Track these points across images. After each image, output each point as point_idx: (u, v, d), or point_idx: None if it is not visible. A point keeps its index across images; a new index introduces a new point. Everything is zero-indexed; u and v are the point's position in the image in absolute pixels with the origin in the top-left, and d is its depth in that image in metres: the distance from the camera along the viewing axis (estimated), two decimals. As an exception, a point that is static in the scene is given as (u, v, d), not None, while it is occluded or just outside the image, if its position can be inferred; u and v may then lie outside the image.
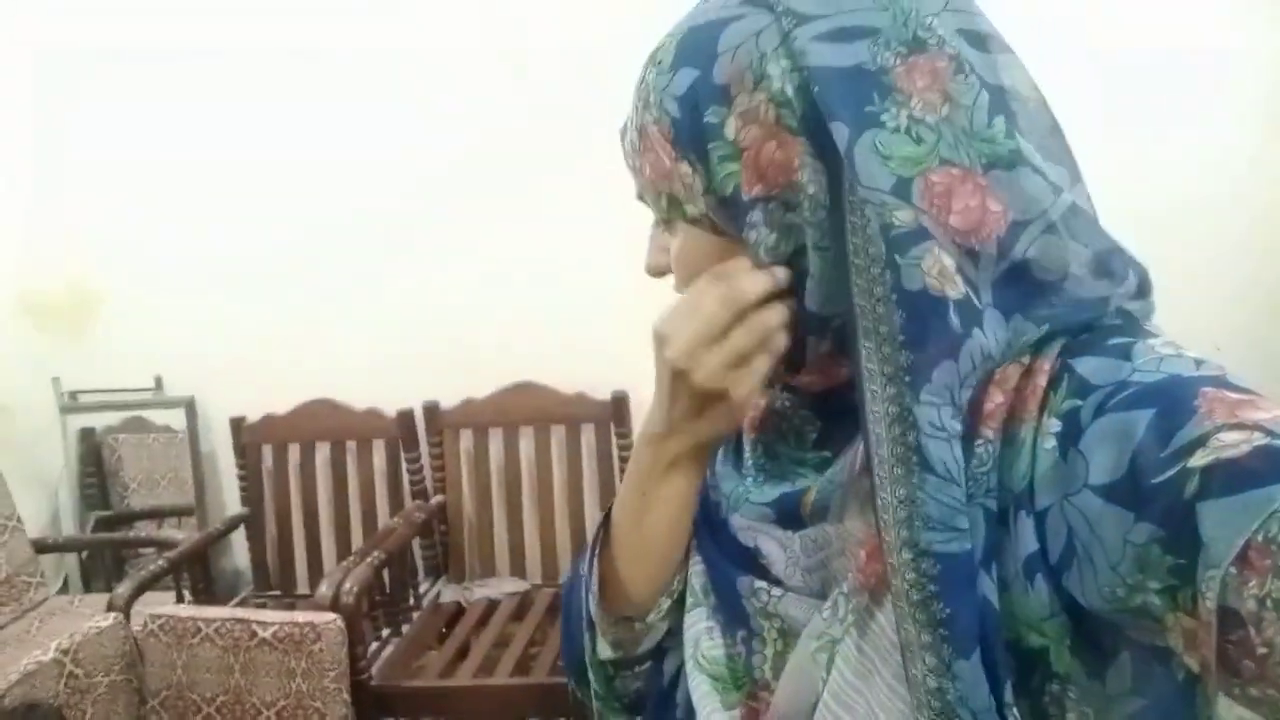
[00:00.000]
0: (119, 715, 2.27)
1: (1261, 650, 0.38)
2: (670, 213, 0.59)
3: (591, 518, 2.83)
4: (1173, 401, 0.44)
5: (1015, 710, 0.47)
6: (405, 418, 2.91)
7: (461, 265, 2.89)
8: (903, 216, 0.48)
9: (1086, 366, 0.49)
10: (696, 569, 0.68)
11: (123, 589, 2.47)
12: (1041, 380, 0.50)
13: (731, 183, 0.54)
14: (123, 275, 3.06)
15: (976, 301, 0.49)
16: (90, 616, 2.34)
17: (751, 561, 0.61)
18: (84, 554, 3.20)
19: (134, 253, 3.04)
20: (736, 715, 0.62)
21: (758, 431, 0.65)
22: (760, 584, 0.60)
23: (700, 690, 0.64)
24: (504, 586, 2.82)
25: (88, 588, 3.15)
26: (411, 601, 2.76)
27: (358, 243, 2.93)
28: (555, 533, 2.85)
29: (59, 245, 3.05)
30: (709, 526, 0.66)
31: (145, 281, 3.06)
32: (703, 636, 0.65)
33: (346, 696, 2.20)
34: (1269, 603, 0.37)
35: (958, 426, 0.48)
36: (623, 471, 2.76)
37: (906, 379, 0.49)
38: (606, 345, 2.75)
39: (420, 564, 2.89)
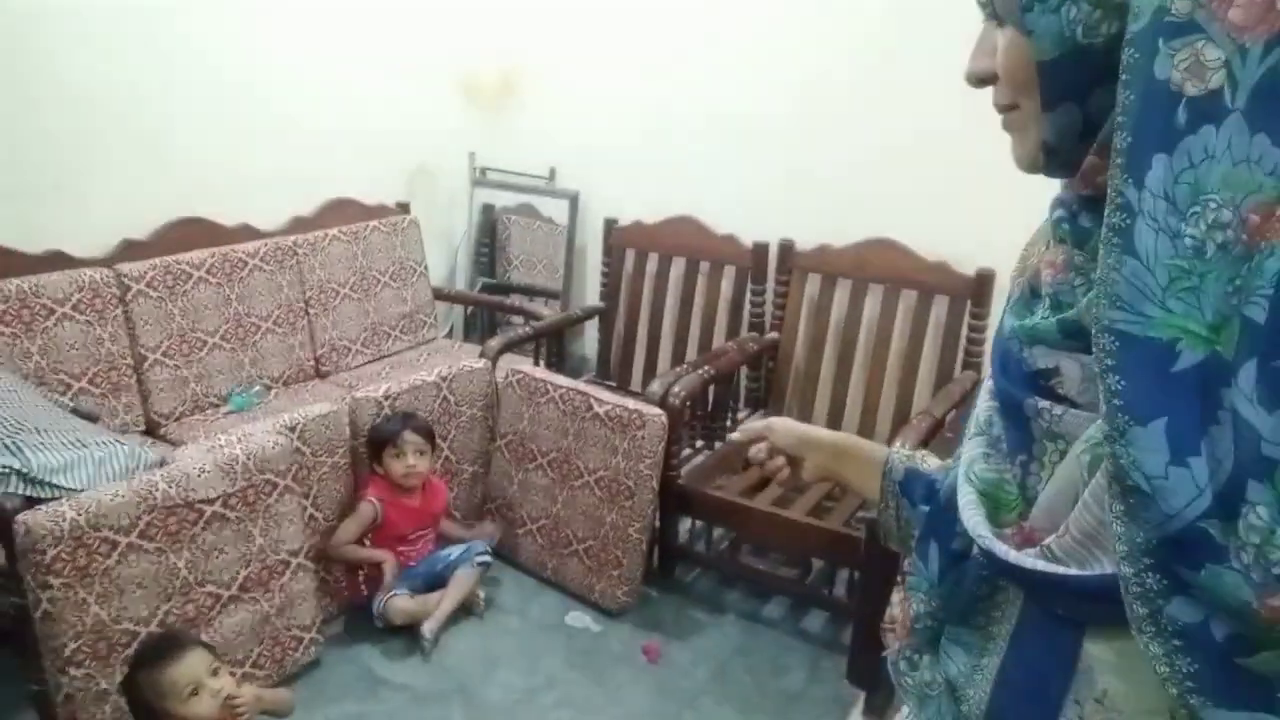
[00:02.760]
0: (473, 442, 2.65)
1: None
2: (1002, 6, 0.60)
3: (923, 393, 2.73)
4: None
5: (1259, 511, 0.45)
6: (761, 250, 2.95)
7: (842, 110, 2.80)
8: (1180, 7, 0.48)
9: None
10: (983, 405, 0.70)
11: (494, 342, 2.82)
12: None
13: None
14: (540, 68, 3.34)
15: (1229, 100, 0.47)
16: (465, 359, 2.72)
17: (1042, 386, 0.61)
18: (468, 309, 3.69)
19: (551, 48, 3.30)
20: (1008, 534, 0.63)
21: (1054, 285, 0.64)
22: (1045, 403, 0.60)
23: (966, 499, 0.67)
24: (817, 435, 2.84)
25: (467, 338, 3.64)
26: (728, 423, 2.88)
27: (742, 73, 2.95)
28: (880, 397, 2.80)
29: (492, 29, 3.39)
30: (1001, 363, 0.67)
31: (557, 77, 3.31)
32: (978, 460, 0.67)
33: (655, 485, 2.38)
34: None
35: (1174, 222, 0.48)
36: (969, 353, 2.65)
37: (1121, 161, 0.50)
38: (979, 218, 2.56)
39: (743, 392, 2.99)
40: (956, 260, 2.66)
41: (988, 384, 0.71)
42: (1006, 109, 0.63)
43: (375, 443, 2.31)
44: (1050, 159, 0.61)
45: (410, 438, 2.29)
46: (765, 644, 2.36)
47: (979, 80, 0.64)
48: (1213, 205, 0.47)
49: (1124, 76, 0.50)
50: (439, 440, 2.53)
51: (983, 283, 2.61)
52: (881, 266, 2.77)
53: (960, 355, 2.68)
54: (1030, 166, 0.63)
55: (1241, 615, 0.46)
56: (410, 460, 2.28)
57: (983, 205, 2.56)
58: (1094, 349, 0.51)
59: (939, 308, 2.71)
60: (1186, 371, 0.48)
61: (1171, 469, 0.47)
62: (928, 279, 2.70)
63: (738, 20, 2.94)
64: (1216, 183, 0.47)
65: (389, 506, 2.30)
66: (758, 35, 2.91)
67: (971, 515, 0.65)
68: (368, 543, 2.33)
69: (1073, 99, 0.57)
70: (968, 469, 0.68)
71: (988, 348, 2.66)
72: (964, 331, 2.67)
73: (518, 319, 3.43)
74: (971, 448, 0.69)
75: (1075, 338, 0.58)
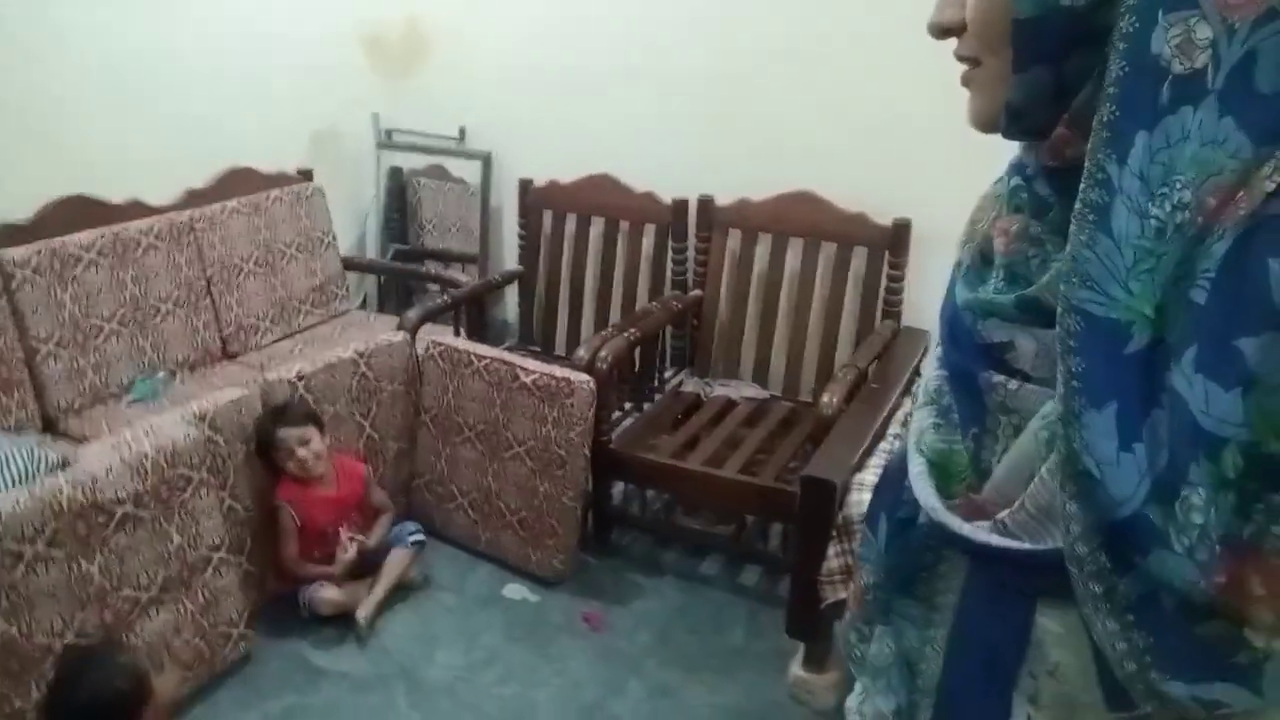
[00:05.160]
0: (397, 418, 2.57)
1: None
2: None
3: (845, 344, 2.76)
4: None
5: (1200, 491, 0.45)
6: (680, 207, 2.92)
7: (757, 62, 2.77)
8: None
9: None
10: (932, 374, 0.69)
11: (412, 313, 2.74)
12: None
13: None
14: (447, 25, 3.21)
15: (1209, 81, 0.46)
16: (383, 332, 2.63)
17: (996, 359, 0.60)
18: (381, 278, 3.57)
19: (460, 2, 3.16)
20: (957, 504, 0.62)
21: (1008, 255, 0.62)
22: (1000, 377, 0.60)
23: (916, 469, 0.66)
24: (744, 390, 2.86)
25: (381, 309, 3.53)
26: (655, 384, 2.87)
27: (658, 28, 2.88)
28: (804, 349, 2.82)
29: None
30: (952, 336, 0.66)
31: (465, 34, 3.18)
32: (928, 430, 0.66)
33: (587, 452, 2.36)
34: None
35: (1143, 202, 0.47)
36: (889, 303, 2.69)
37: (1106, 135, 0.49)
38: (895, 169, 2.59)
39: (668, 351, 2.97)
40: (874, 211, 2.67)
41: (937, 353, 0.70)
42: (970, 63, 0.61)
43: (260, 449, 2.18)
44: (1013, 122, 0.58)
45: (286, 434, 2.16)
46: (705, 603, 2.39)
47: (944, 31, 0.61)
48: (1178, 186, 0.47)
49: (1119, 45, 0.49)
50: (361, 418, 2.46)
51: (900, 233, 2.63)
52: (801, 220, 2.77)
53: (880, 306, 2.72)
54: (988, 126, 0.61)
55: (1189, 594, 0.46)
56: (300, 453, 2.17)
57: (898, 156, 2.59)
58: (1058, 328, 0.51)
59: (858, 259, 2.73)
60: (1136, 355, 0.48)
61: (1121, 455, 0.48)
62: (846, 231, 2.72)
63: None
64: (1185, 163, 0.46)
65: (302, 506, 2.20)
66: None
67: (922, 486, 0.65)
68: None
69: (1047, 61, 0.55)
70: (918, 439, 0.67)
71: (906, 297, 2.72)
72: (883, 282, 2.70)
73: (433, 287, 3.33)
74: (921, 417, 0.68)
75: (1032, 313, 0.58)
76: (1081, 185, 0.50)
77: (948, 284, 0.69)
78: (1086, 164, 0.50)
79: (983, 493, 0.61)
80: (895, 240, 2.64)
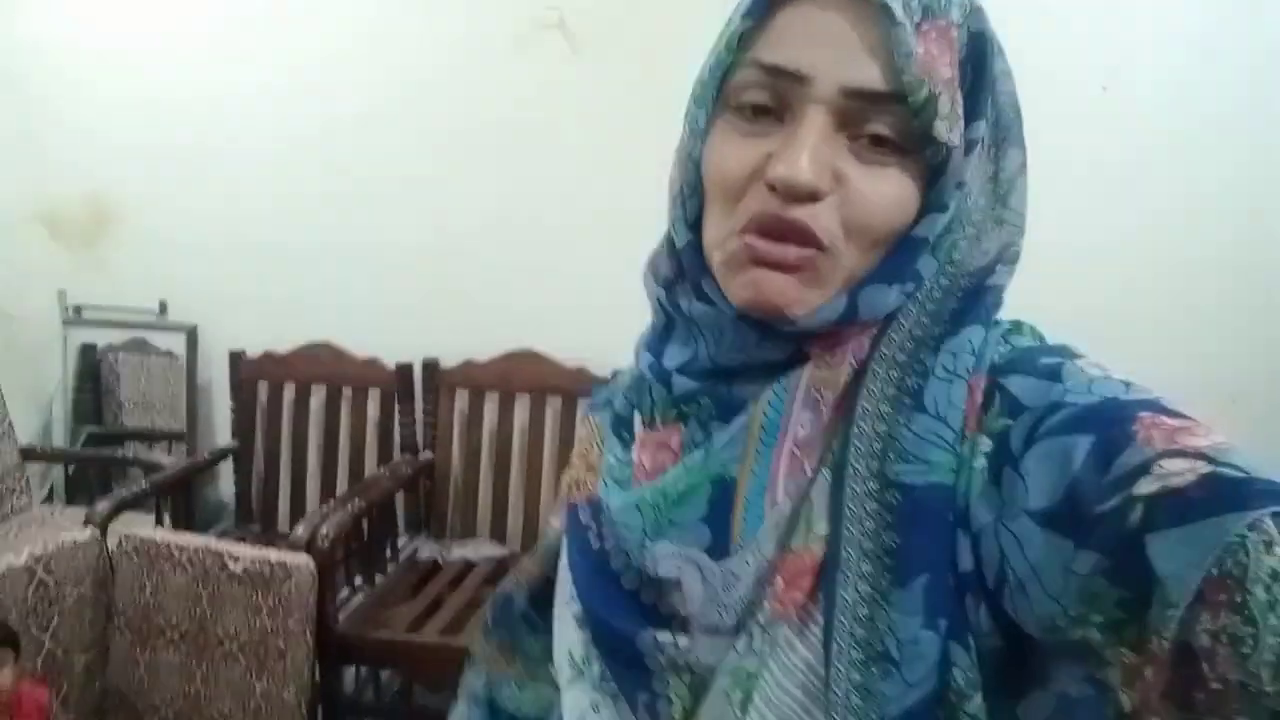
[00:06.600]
0: (84, 628, 2.27)
1: (1215, 685, 0.37)
2: (922, 118, 0.50)
3: (577, 493, 2.81)
4: (1109, 425, 0.44)
5: (955, 673, 0.46)
6: (404, 371, 2.90)
7: (474, 225, 2.87)
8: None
9: (1017, 385, 0.50)
10: (570, 635, 0.60)
11: (102, 506, 2.46)
12: (976, 398, 0.50)
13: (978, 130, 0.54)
14: (138, 195, 3.06)
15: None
16: (68, 529, 2.35)
17: (653, 611, 0.54)
18: (71, 467, 3.21)
19: (150, 173, 3.03)
20: None
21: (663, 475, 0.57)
22: (664, 636, 0.54)
23: None
24: (482, 549, 2.81)
25: (71, 500, 3.15)
26: (389, 554, 2.75)
27: (373, 191, 2.91)
28: (540, 503, 2.83)
29: (80, 157, 3.05)
30: (601, 582, 0.58)
31: (159, 203, 3.05)
32: (588, 714, 0.58)
33: (310, 640, 2.19)
34: (1223, 637, 0.37)
35: (962, 376, 0.50)
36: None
37: (936, 331, 0.52)
38: (611, 321, 2.73)
39: (401, 518, 2.88)
40: (594, 363, 2.79)
41: (569, 610, 0.60)
42: (809, 240, 0.51)
43: None
44: (849, 317, 0.53)
45: None
46: (449, 787, 2.24)
47: (810, 197, 0.50)
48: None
49: (958, 255, 0.55)
50: (39, 632, 2.14)
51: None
52: (526, 377, 2.84)
53: (607, 454, 2.80)
54: (802, 311, 0.52)
55: None
56: None
57: (612, 310, 2.72)
58: (869, 511, 0.49)
59: (583, 411, 2.82)
60: (951, 524, 0.48)
61: (923, 633, 0.46)
62: (568, 385, 2.81)
63: (362, 137, 2.90)
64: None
65: None
66: (380, 159, 2.89)
67: None
68: None
69: (914, 280, 0.54)
70: None
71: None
72: (608, 431, 2.79)
73: (136, 470, 3.04)
74: (574, 700, 0.59)
75: (723, 511, 0.53)
76: (883, 374, 0.51)
77: (567, 531, 0.62)
78: (896, 357, 0.51)
79: None
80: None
